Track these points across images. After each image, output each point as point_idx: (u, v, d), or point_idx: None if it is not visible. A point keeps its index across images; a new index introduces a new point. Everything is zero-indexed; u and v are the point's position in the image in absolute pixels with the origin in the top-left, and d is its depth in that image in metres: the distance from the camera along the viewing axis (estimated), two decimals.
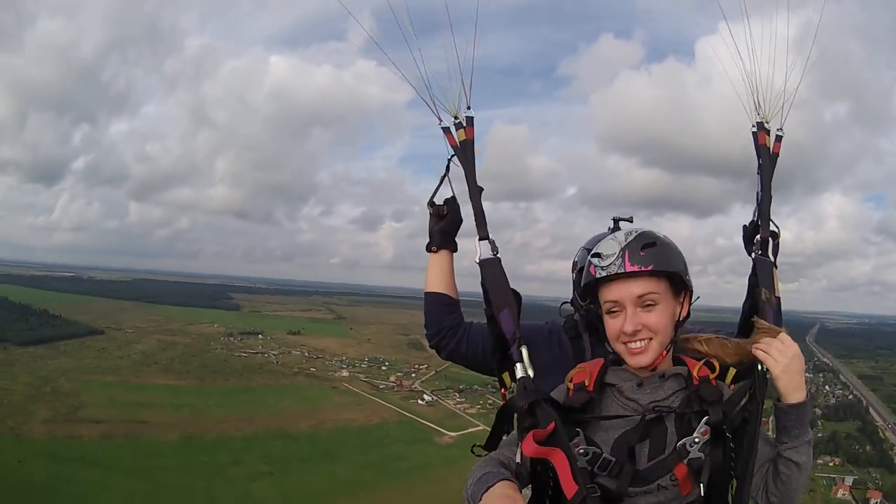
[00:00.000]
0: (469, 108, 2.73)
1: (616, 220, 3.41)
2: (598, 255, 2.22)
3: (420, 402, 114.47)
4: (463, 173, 2.74)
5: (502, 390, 2.55)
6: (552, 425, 2.01)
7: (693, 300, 2.32)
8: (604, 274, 2.17)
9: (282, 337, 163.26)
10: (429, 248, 2.94)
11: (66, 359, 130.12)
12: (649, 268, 2.12)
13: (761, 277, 2.57)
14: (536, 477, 2.15)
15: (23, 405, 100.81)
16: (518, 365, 2.26)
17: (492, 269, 2.52)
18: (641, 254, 2.14)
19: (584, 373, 2.29)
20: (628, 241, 2.18)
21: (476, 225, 2.61)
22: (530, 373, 2.23)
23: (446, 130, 2.76)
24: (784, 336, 2.21)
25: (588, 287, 2.31)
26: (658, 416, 2.15)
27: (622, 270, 2.13)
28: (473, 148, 2.73)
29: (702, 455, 2.11)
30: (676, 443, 2.11)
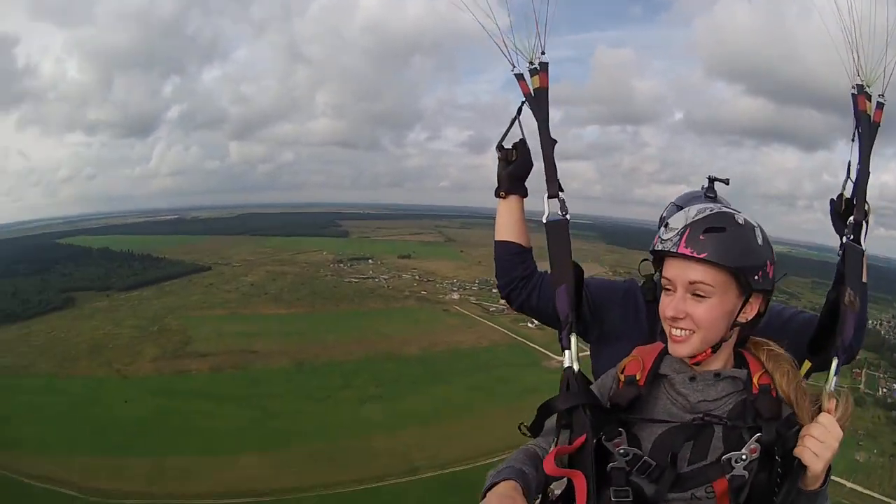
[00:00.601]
0: (543, 52, 2.54)
1: (711, 180, 3.08)
2: (666, 224, 2.08)
3: (529, 325, 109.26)
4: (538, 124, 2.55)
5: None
6: (581, 439, 1.96)
7: (768, 299, 2.11)
8: (659, 248, 2.04)
9: (392, 261, 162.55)
10: (497, 194, 2.74)
11: (172, 298, 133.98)
12: (702, 255, 1.92)
13: (850, 270, 2.30)
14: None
15: (129, 347, 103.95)
16: (566, 353, 2.17)
17: (556, 235, 2.40)
18: (701, 238, 1.94)
19: (638, 362, 2.18)
20: (695, 218, 2.00)
21: (546, 181, 2.48)
22: (575, 367, 2.13)
23: (519, 77, 2.57)
24: (826, 423, 1.92)
25: (654, 255, 2.16)
26: (716, 422, 2.02)
27: (674, 250, 1.97)
28: (547, 97, 2.56)
29: (746, 474, 1.94)
30: (722, 455, 1.96)
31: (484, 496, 1.87)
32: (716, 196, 3.09)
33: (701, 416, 1.98)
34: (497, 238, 2.79)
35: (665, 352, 2.12)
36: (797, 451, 1.90)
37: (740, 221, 1.98)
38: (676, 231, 1.97)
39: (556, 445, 2.02)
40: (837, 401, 1.97)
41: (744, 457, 1.91)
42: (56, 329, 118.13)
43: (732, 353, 2.10)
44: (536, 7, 2.46)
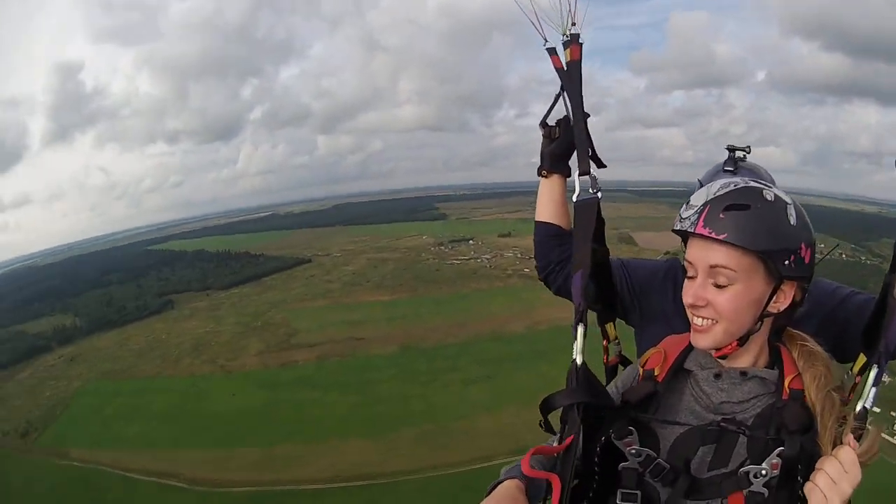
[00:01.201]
0: (574, 24, 2.43)
1: (731, 150, 2.87)
2: (687, 202, 1.92)
3: None
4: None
5: (604, 342, 2.60)
6: (567, 442, 1.81)
7: (804, 289, 1.88)
8: (678, 227, 1.87)
9: (493, 240, 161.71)
10: (539, 172, 2.65)
11: (273, 292, 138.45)
12: (721, 236, 1.73)
13: None
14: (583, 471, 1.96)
15: (232, 343, 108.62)
16: (575, 345, 2.01)
17: (582, 215, 2.27)
18: (721, 216, 1.75)
19: (660, 356, 2.04)
20: (717, 194, 1.81)
21: (577, 157, 2.37)
22: (578, 360, 1.96)
23: (551, 52, 2.47)
24: (844, 460, 1.63)
25: (676, 234, 2.00)
26: (730, 421, 1.84)
27: (692, 229, 1.79)
28: (580, 69, 2.44)
29: (765, 492, 1.71)
30: (740, 466, 1.75)
31: (489, 493, 1.78)
32: (735, 169, 2.78)
33: (719, 420, 1.81)
34: (537, 218, 2.70)
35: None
36: (806, 487, 1.65)
37: (769, 198, 1.76)
38: (696, 209, 1.79)
39: (557, 443, 1.86)
40: (864, 432, 1.71)
41: (763, 472, 1.70)
42: (156, 332, 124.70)
43: (767, 347, 1.90)
44: None
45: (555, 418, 1.92)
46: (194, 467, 67.90)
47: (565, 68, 2.40)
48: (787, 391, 1.77)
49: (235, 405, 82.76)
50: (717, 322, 1.77)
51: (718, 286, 1.76)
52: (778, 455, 1.68)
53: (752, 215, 1.71)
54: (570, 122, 2.41)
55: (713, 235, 1.71)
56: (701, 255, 1.77)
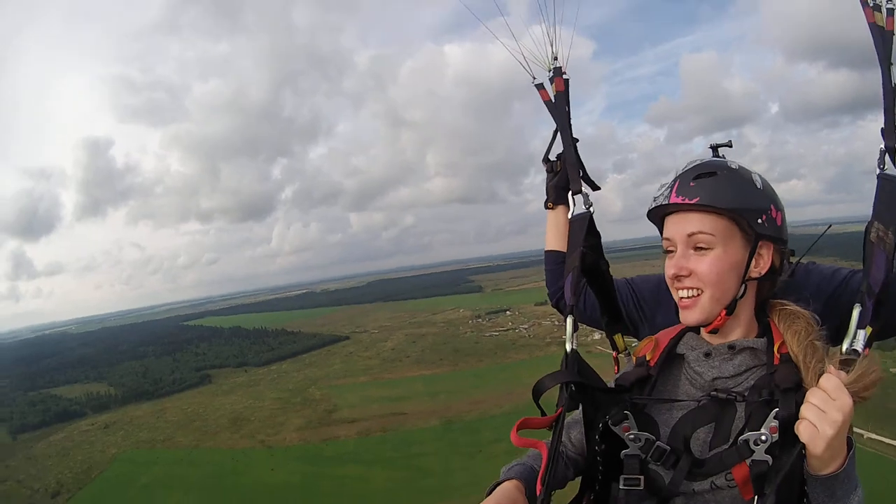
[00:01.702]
0: (556, 58, 2.62)
1: (714, 148, 2.78)
2: (661, 185, 2.01)
3: None
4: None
5: (614, 354, 2.62)
6: (553, 416, 1.81)
7: (785, 252, 1.96)
8: (652, 206, 1.96)
9: (530, 309, 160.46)
10: (546, 205, 2.82)
11: (312, 369, 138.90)
12: (694, 200, 1.81)
13: (881, 203, 1.92)
14: (589, 462, 2.01)
15: (272, 418, 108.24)
16: (567, 333, 2.03)
17: (574, 227, 2.33)
18: (692, 184, 1.84)
19: (650, 343, 2.12)
20: (684, 170, 1.92)
21: (569, 178, 2.50)
22: (568, 347, 1.97)
23: (539, 87, 2.64)
24: (828, 386, 1.55)
25: (653, 221, 2.07)
26: (727, 398, 1.83)
27: (666, 201, 1.88)
28: (565, 99, 2.59)
29: (769, 459, 1.67)
30: (738, 435, 1.74)
31: (488, 494, 1.84)
32: None
33: (709, 393, 1.82)
34: (546, 248, 2.87)
35: (685, 331, 2.03)
36: (796, 426, 1.57)
37: (733, 167, 1.87)
38: (666, 185, 1.89)
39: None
40: (852, 361, 1.63)
41: (763, 437, 1.67)
42: (193, 405, 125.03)
43: (755, 321, 1.92)
44: (544, 16, 2.53)
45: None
46: None
47: (553, 101, 2.54)
48: (778, 357, 1.76)
49: (275, 480, 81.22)
50: (701, 292, 1.81)
51: (699, 254, 1.80)
52: (774, 417, 1.66)
53: (720, 179, 1.79)
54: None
55: (686, 201, 1.79)
56: (677, 227, 1.84)
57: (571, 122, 2.56)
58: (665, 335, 2.06)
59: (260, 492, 78.02)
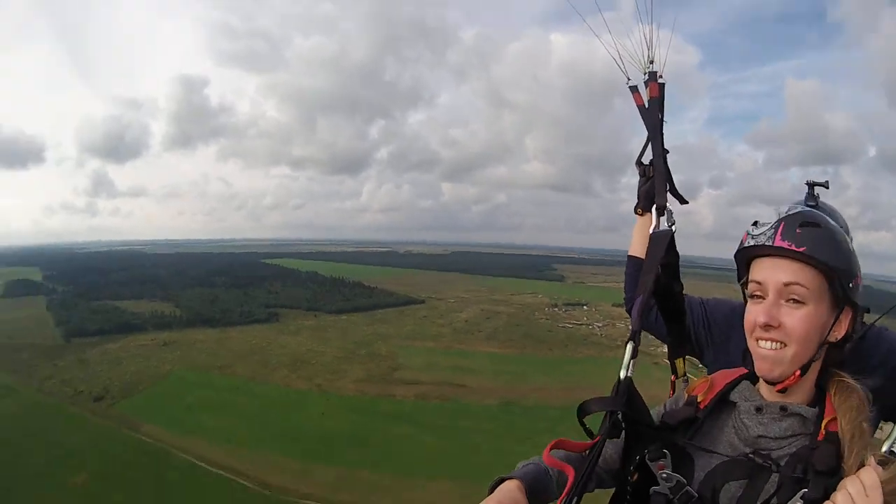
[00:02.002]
0: (652, 62, 2.55)
1: (811, 186, 2.85)
2: (755, 223, 1.89)
3: None
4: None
5: (672, 377, 2.56)
6: (591, 442, 1.82)
7: (861, 323, 1.87)
8: (751, 243, 1.83)
9: (607, 308, 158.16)
10: (635, 210, 2.72)
11: (382, 325, 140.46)
12: (801, 248, 1.72)
13: None
14: (622, 477, 2.00)
15: (333, 365, 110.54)
16: (623, 360, 1.97)
17: (653, 246, 2.30)
18: (798, 231, 1.75)
19: (705, 384, 2.05)
20: (789, 212, 1.82)
21: (655, 192, 2.48)
22: (622, 374, 1.93)
23: (633, 90, 2.60)
24: (866, 481, 1.53)
25: (739, 259, 1.95)
26: (764, 456, 1.79)
27: (770, 243, 1.77)
28: (659, 106, 2.56)
29: None
30: (765, 502, 1.72)
31: (490, 492, 1.81)
32: (817, 204, 2.76)
33: (748, 454, 1.78)
34: (629, 253, 2.83)
35: (744, 377, 1.95)
36: None
37: (832, 223, 1.78)
38: (769, 225, 1.78)
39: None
40: (890, 462, 1.58)
41: None
42: (257, 339, 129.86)
43: (814, 386, 1.84)
44: (642, 18, 2.50)
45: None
46: (267, 472, 69.06)
47: (646, 106, 2.56)
48: (824, 432, 1.72)
49: (325, 424, 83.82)
50: (785, 346, 1.74)
51: (791, 307, 1.73)
52: (801, 497, 1.62)
53: (825, 232, 1.72)
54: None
55: (793, 247, 1.71)
56: (772, 273, 1.75)
57: (664, 130, 2.59)
58: (722, 378, 2.04)
59: (305, 433, 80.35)
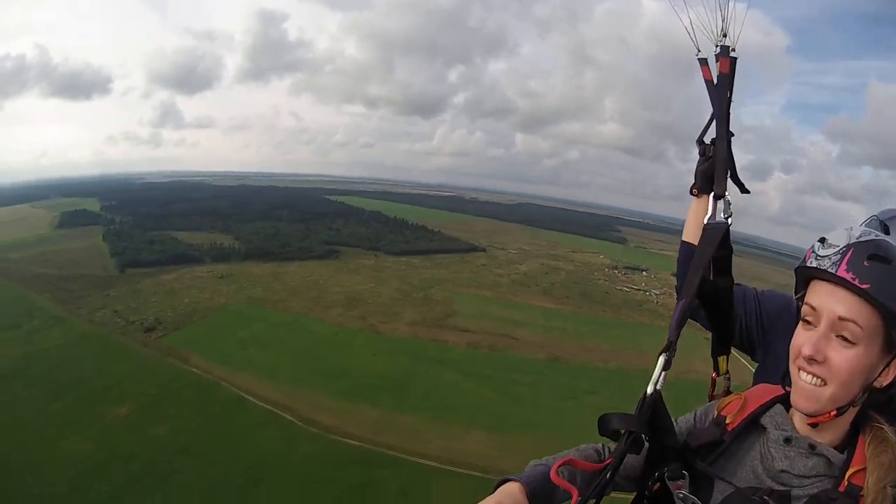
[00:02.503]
0: (725, 35, 2.41)
1: (883, 223, 2.54)
2: (823, 239, 1.74)
3: None
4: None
5: (713, 374, 2.46)
6: (601, 465, 1.77)
7: None
8: (814, 264, 1.70)
9: (666, 277, 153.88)
10: (691, 191, 2.59)
11: (441, 270, 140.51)
12: (865, 286, 1.58)
13: None
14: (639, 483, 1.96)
15: (388, 307, 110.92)
16: (653, 373, 1.88)
17: (705, 240, 2.17)
18: (866, 264, 1.61)
19: (738, 402, 1.97)
20: (861, 239, 1.66)
21: (714, 177, 2.32)
22: (649, 389, 1.84)
23: (702, 62, 2.47)
24: None
25: (799, 275, 1.82)
26: (782, 494, 1.71)
27: (833, 270, 1.64)
28: (728, 83, 2.41)
29: None
30: None
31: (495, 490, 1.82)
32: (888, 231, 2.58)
33: (766, 491, 1.71)
34: (682, 238, 2.77)
35: (779, 400, 1.89)
36: None
37: None
38: (837, 249, 1.67)
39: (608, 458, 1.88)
40: None
41: None
42: (314, 275, 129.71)
43: (849, 427, 1.76)
44: None
45: None
46: (313, 409, 69.87)
47: (715, 81, 2.43)
48: (846, 484, 1.63)
49: (374, 365, 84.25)
50: (826, 384, 1.64)
51: (841, 343, 1.62)
52: None
53: (893, 272, 1.58)
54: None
55: (856, 283, 1.58)
56: (829, 302, 1.63)
57: (730, 110, 2.43)
58: (755, 398, 1.95)
59: (354, 372, 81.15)
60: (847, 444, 1.71)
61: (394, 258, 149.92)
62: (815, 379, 1.64)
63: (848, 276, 1.58)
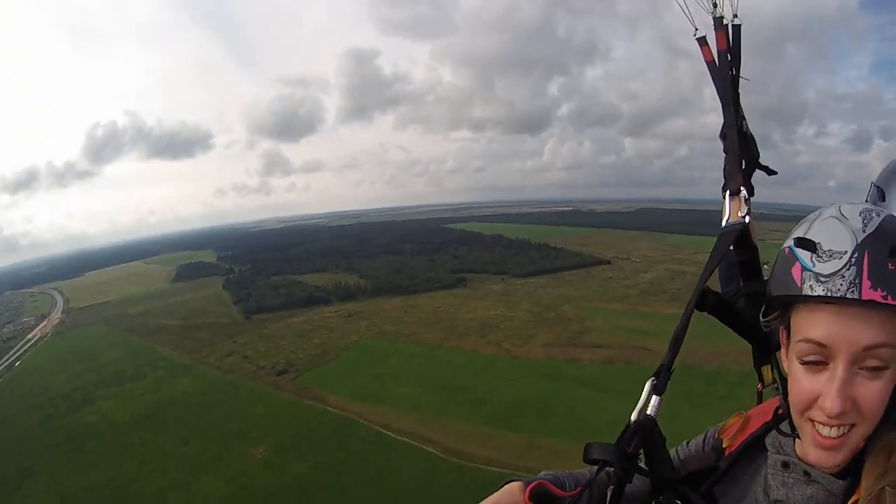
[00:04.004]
0: (715, 5, 2.06)
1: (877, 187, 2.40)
2: (810, 244, 1.31)
3: None
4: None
5: (759, 386, 2.13)
6: (573, 493, 1.59)
7: None
8: (818, 292, 1.24)
9: None
10: (723, 191, 2.05)
11: (569, 287, 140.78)
12: (892, 300, 1.19)
13: None
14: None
15: (522, 329, 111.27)
16: (640, 402, 1.64)
17: (720, 245, 1.84)
18: (891, 267, 1.20)
19: (738, 421, 1.79)
20: (867, 231, 1.25)
21: (726, 172, 1.98)
22: (634, 415, 1.63)
23: (701, 42, 2.12)
24: None
25: (780, 301, 1.41)
26: None
27: (855, 295, 1.19)
28: (729, 62, 2.06)
29: None
30: None
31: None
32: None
33: None
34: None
35: (781, 420, 1.57)
36: None
37: None
38: (845, 258, 1.22)
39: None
40: None
41: None
42: (444, 305, 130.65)
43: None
44: None
45: None
46: (454, 439, 69.65)
47: (715, 61, 2.05)
48: None
49: (512, 390, 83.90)
50: (854, 427, 1.28)
51: (869, 376, 1.24)
52: None
53: None
54: (743, 131, 2.05)
55: (889, 300, 1.17)
56: (851, 334, 1.21)
57: (739, 91, 2.02)
58: (759, 416, 1.72)
59: (494, 398, 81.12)
60: (850, 469, 1.37)
61: (521, 280, 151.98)
62: (840, 429, 1.29)
63: (878, 296, 1.17)
